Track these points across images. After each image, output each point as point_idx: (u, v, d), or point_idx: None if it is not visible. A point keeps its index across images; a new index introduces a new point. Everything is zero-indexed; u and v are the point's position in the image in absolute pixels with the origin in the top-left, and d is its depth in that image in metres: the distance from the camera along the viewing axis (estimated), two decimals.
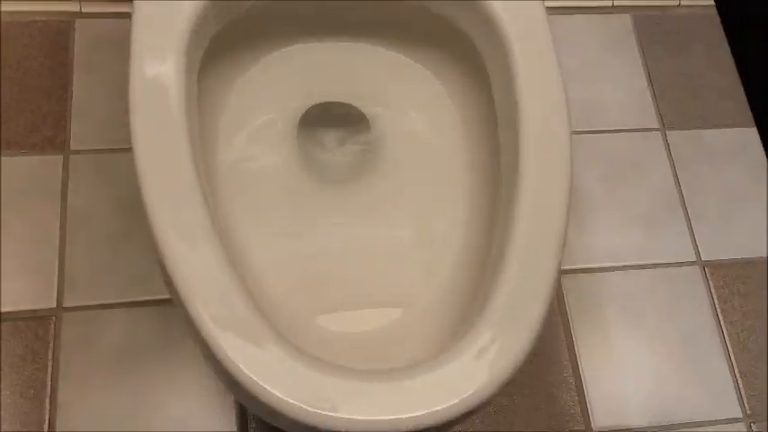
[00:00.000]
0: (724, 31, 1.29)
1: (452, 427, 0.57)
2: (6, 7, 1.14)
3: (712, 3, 1.32)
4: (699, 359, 1.05)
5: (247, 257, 0.75)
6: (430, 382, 0.57)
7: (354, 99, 0.86)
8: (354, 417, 0.55)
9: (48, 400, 0.92)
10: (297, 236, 0.79)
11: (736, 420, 1.03)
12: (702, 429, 1.01)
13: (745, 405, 1.04)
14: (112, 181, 1.04)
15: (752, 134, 1.22)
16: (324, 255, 0.79)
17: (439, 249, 0.79)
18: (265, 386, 0.56)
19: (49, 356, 0.94)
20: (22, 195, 1.02)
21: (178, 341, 0.97)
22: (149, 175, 0.63)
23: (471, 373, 0.57)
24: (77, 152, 1.06)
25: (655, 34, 1.28)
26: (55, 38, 1.13)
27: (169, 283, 0.61)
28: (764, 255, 1.14)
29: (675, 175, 1.18)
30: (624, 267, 1.10)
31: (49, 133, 1.07)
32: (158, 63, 0.67)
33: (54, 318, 0.96)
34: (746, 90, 1.25)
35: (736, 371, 1.05)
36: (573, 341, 1.04)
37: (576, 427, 0.99)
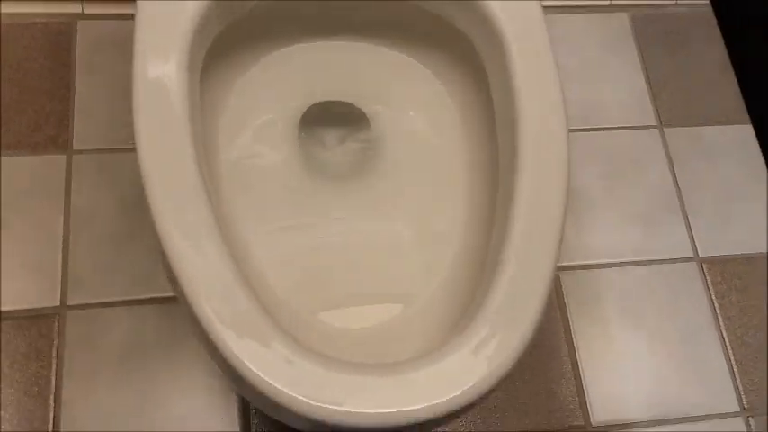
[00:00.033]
0: (720, 29, 1.30)
1: (452, 420, 0.58)
2: (9, 9, 1.14)
3: (708, 1, 1.32)
4: (697, 354, 1.06)
5: (249, 255, 0.75)
6: (430, 376, 0.57)
7: (355, 98, 0.86)
8: (356, 410, 0.56)
9: (52, 398, 0.93)
10: (298, 233, 0.80)
11: (733, 414, 1.03)
12: (701, 423, 1.02)
13: (743, 399, 1.04)
14: (115, 180, 1.05)
15: (749, 131, 1.23)
16: (325, 252, 0.79)
17: (439, 247, 0.80)
18: (270, 381, 0.56)
19: (53, 354, 0.95)
20: (25, 195, 1.03)
21: (181, 339, 0.97)
22: (153, 175, 0.63)
23: (471, 367, 0.58)
24: (80, 152, 1.07)
25: (652, 32, 1.29)
26: (57, 39, 1.14)
27: (174, 280, 0.61)
28: (762, 250, 1.14)
29: (673, 173, 1.18)
30: (622, 264, 1.10)
31: (51, 133, 1.07)
32: (161, 63, 0.67)
33: (58, 316, 0.97)
34: (742, 88, 1.26)
35: (734, 365, 1.06)
36: (572, 337, 1.05)
37: (575, 422, 1.00)
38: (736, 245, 1.14)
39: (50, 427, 0.92)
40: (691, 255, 1.13)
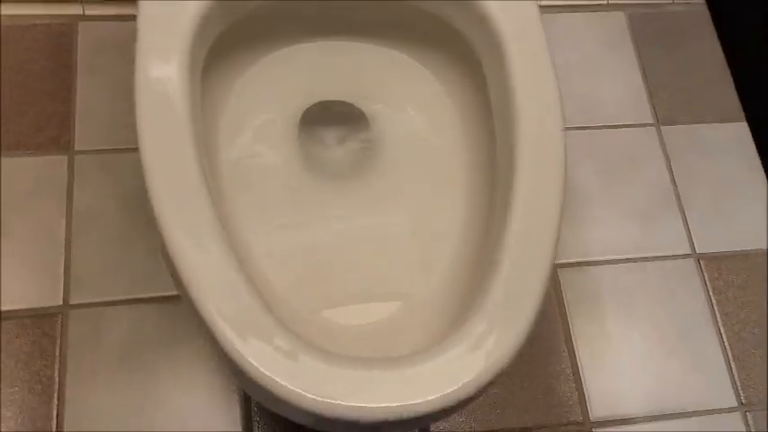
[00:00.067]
0: (714, 27, 1.30)
1: (451, 414, 0.58)
2: (10, 11, 1.15)
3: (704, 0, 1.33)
4: (695, 350, 1.06)
5: (250, 253, 0.76)
6: (429, 371, 0.58)
7: (354, 98, 0.86)
8: (357, 404, 0.56)
9: (56, 396, 0.94)
10: (298, 232, 0.80)
11: (731, 410, 1.04)
12: (698, 418, 1.02)
13: (741, 394, 1.05)
14: (117, 180, 1.05)
15: (745, 129, 1.23)
16: (325, 250, 0.80)
17: (438, 244, 0.80)
18: (272, 376, 0.57)
19: (57, 353, 0.96)
20: (28, 195, 1.03)
21: (183, 337, 0.98)
22: (156, 174, 0.64)
23: (469, 362, 0.58)
24: (82, 152, 1.07)
25: (649, 31, 1.29)
26: (58, 40, 1.14)
27: (176, 278, 0.62)
28: (758, 247, 1.15)
29: (670, 170, 1.19)
30: (620, 261, 1.11)
31: (53, 134, 1.08)
32: (163, 63, 0.67)
33: (61, 315, 0.98)
34: (737, 86, 1.26)
35: (732, 361, 1.07)
36: (570, 333, 1.05)
37: (573, 418, 1.01)
38: (733, 241, 1.15)
39: (54, 424, 0.92)
40: (688, 251, 1.13)
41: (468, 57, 0.80)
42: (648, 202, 1.16)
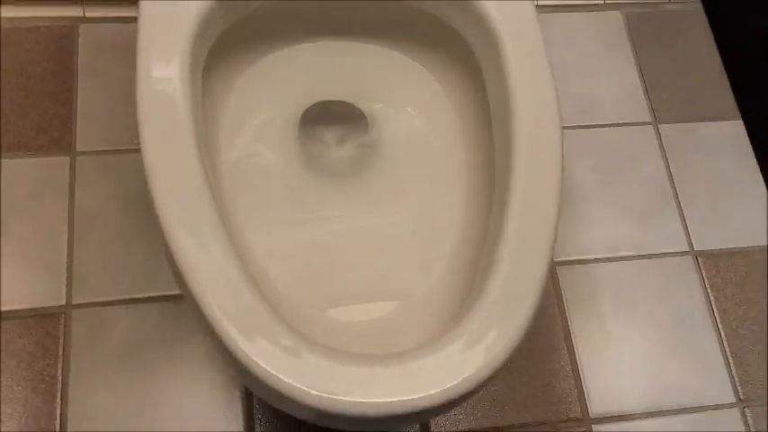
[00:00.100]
0: (710, 26, 1.31)
1: (451, 409, 0.58)
2: (11, 13, 1.15)
3: None
4: (693, 347, 1.07)
5: (251, 252, 0.76)
6: (429, 366, 0.58)
7: (354, 97, 0.87)
8: (358, 400, 0.57)
9: (59, 395, 0.94)
10: (299, 230, 0.81)
11: (730, 406, 1.04)
12: (697, 415, 1.03)
13: (739, 390, 1.05)
14: (118, 181, 1.06)
15: (742, 127, 1.24)
16: (325, 248, 0.80)
17: (437, 242, 0.80)
18: (275, 373, 0.57)
19: (60, 352, 0.96)
20: (30, 196, 1.04)
21: (185, 336, 0.98)
22: (158, 174, 0.64)
23: (469, 357, 0.59)
24: (83, 153, 1.07)
25: (645, 30, 1.30)
26: (59, 42, 1.14)
27: (179, 277, 0.62)
28: (755, 243, 1.15)
29: (668, 168, 1.19)
30: (619, 258, 1.11)
31: (55, 135, 1.08)
32: (164, 63, 0.68)
33: (63, 315, 0.98)
34: (732, 84, 1.27)
35: (730, 357, 1.07)
36: (569, 331, 1.06)
37: (573, 415, 1.01)
38: (730, 238, 1.15)
39: (57, 423, 0.93)
40: (686, 249, 1.14)
41: (468, 57, 0.80)
42: (646, 199, 1.16)
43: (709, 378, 1.06)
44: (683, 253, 1.13)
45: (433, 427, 0.98)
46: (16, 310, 0.98)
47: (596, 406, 1.02)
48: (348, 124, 0.87)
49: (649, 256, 1.12)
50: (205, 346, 0.98)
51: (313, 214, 0.82)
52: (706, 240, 1.15)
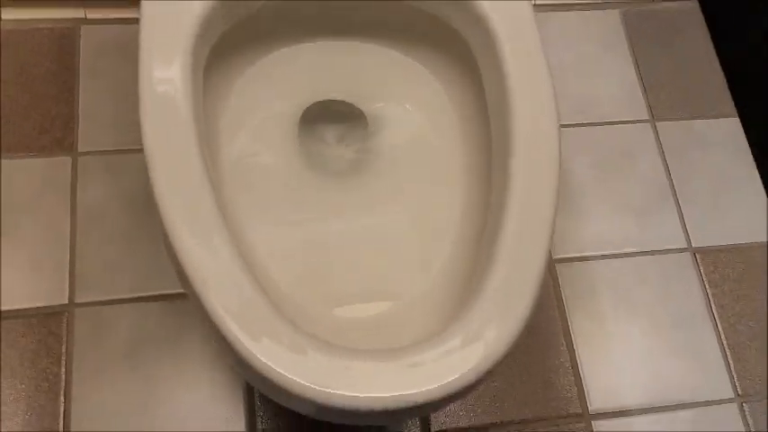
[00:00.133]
0: (707, 24, 1.31)
1: (451, 403, 0.58)
2: (13, 15, 1.16)
3: None
4: (691, 342, 1.07)
5: (252, 251, 0.76)
6: (428, 361, 0.59)
7: (354, 97, 0.87)
8: (359, 394, 0.57)
9: (62, 393, 0.95)
10: (299, 229, 0.81)
11: (728, 401, 1.05)
12: (696, 410, 1.03)
13: (737, 386, 1.06)
14: (120, 180, 1.06)
15: (738, 124, 1.24)
16: (325, 247, 0.80)
17: (437, 243, 0.81)
18: (278, 369, 0.58)
19: (63, 351, 0.97)
20: (33, 196, 1.04)
21: (188, 335, 0.99)
22: (161, 173, 0.64)
23: (468, 352, 0.59)
24: (85, 153, 1.08)
25: (643, 29, 1.30)
26: (61, 44, 1.15)
27: (182, 275, 0.63)
28: (754, 240, 1.16)
29: (666, 165, 1.20)
30: (617, 255, 1.12)
31: (57, 136, 1.09)
32: (166, 63, 0.68)
33: (66, 313, 0.99)
34: (728, 82, 1.27)
35: (728, 353, 1.07)
36: (569, 327, 1.06)
37: (572, 410, 1.02)
38: (728, 235, 1.16)
39: (61, 421, 0.93)
40: (684, 245, 1.14)
41: (467, 57, 0.80)
42: (645, 197, 1.17)
43: (708, 374, 1.06)
44: (682, 250, 1.14)
45: (433, 423, 0.99)
46: (19, 309, 0.98)
47: (596, 402, 1.03)
48: (348, 124, 0.87)
49: (648, 253, 1.13)
50: (207, 344, 0.99)
51: (313, 214, 0.82)
52: (704, 237, 1.15)
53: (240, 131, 0.84)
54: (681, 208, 1.17)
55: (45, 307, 0.99)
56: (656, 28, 1.31)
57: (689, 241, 1.15)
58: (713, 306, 1.11)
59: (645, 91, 1.25)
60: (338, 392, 0.57)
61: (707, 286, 1.12)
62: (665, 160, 1.20)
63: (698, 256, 1.14)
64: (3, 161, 1.06)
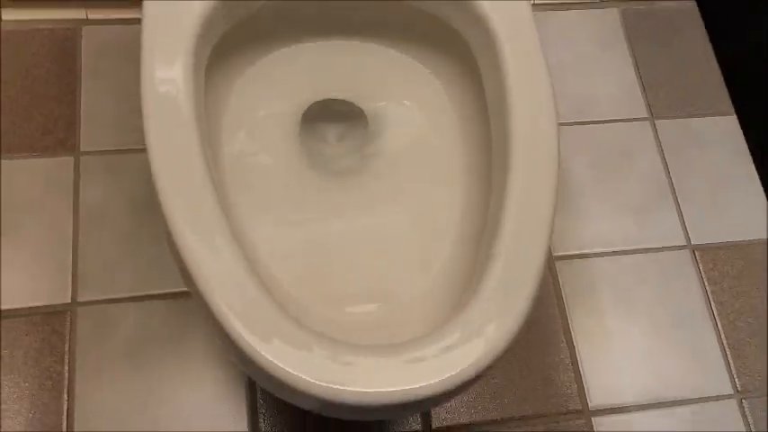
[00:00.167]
0: (705, 24, 1.32)
1: (451, 398, 0.59)
2: (14, 16, 1.16)
3: None
4: (691, 339, 1.08)
5: (253, 250, 0.77)
6: (429, 356, 0.59)
7: (355, 96, 0.87)
8: (360, 389, 0.58)
9: (66, 391, 0.95)
10: (299, 229, 0.81)
11: (727, 397, 1.05)
12: (695, 406, 1.04)
13: (736, 382, 1.06)
14: (122, 180, 1.06)
15: (736, 122, 1.24)
16: (326, 246, 0.81)
17: (437, 243, 0.81)
18: (281, 366, 0.58)
19: (66, 349, 0.97)
20: (36, 196, 1.05)
21: (191, 333, 0.99)
22: (163, 172, 0.65)
23: (468, 347, 0.60)
24: (87, 153, 1.08)
25: (642, 28, 1.30)
26: (63, 45, 1.15)
27: (186, 274, 0.63)
28: (753, 237, 1.16)
29: (665, 163, 1.20)
30: (617, 253, 1.12)
31: (60, 136, 1.09)
32: (168, 63, 0.68)
33: (69, 312, 0.99)
34: (726, 80, 1.27)
35: (727, 350, 1.08)
36: (569, 324, 1.07)
37: (573, 407, 1.02)
38: (727, 232, 1.16)
39: (64, 419, 0.94)
40: (683, 243, 1.15)
41: (467, 56, 0.80)
42: (644, 194, 1.17)
43: (707, 370, 1.06)
44: (681, 247, 1.14)
45: (434, 419, 0.99)
46: (23, 308, 0.99)
47: (595, 398, 1.03)
48: (348, 123, 0.88)
49: (647, 251, 1.13)
50: (210, 343, 0.99)
51: (313, 214, 0.82)
52: (703, 234, 1.15)
53: (240, 131, 0.84)
54: (680, 206, 1.17)
55: (48, 306, 0.99)
56: (655, 27, 1.31)
57: (688, 239, 1.15)
58: (712, 303, 1.11)
59: (644, 90, 1.26)
60: (343, 388, 0.58)
61: (706, 283, 1.12)
62: (663, 159, 1.21)
63: (697, 253, 1.14)
64: (6, 161, 1.07)
